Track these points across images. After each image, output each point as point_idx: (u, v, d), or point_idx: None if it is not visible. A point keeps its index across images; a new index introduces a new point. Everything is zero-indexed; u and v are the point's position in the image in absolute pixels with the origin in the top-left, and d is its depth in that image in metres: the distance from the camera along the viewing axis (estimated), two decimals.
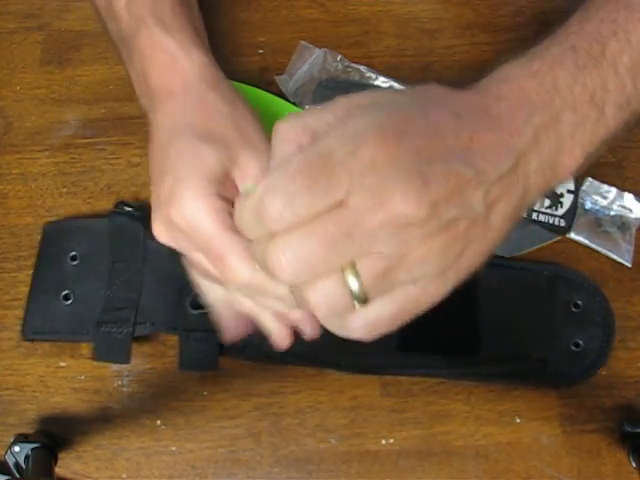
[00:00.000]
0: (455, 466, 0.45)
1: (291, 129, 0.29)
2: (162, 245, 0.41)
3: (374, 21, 0.58)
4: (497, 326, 0.46)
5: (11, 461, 0.43)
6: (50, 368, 0.48)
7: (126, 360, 0.45)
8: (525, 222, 0.50)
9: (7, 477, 0.44)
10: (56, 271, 0.49)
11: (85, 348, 0.48)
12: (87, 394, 0.47)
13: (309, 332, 0.37)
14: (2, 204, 0.52)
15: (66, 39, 0.58)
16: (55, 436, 0.46)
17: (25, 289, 0.49)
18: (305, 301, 0.28)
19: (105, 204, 0.52)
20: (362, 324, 0.29)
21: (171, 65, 0.40)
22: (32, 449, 0.43)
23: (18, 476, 0.43)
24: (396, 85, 0.54)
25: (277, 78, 0.55)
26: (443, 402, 0.47)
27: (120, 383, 0.47)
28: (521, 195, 0.30)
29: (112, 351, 0.45)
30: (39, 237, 0.51)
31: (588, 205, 0.51)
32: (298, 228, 0.26)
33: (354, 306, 0.28)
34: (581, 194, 0.51)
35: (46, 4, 0.59)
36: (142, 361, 0.48)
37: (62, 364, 0.48)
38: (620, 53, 0.32)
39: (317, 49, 0.55)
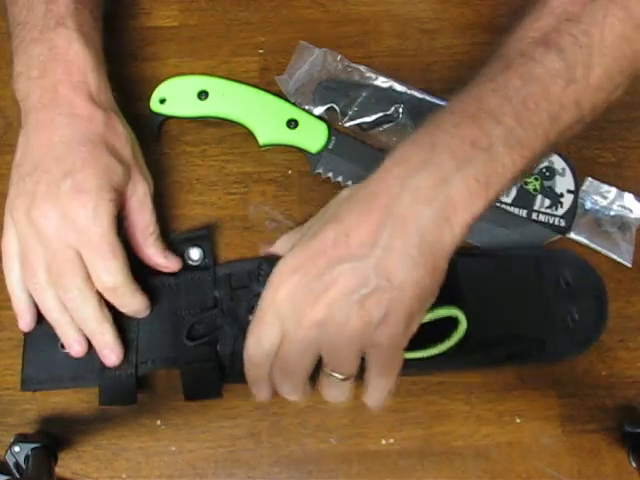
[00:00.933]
0: (455, 466, 0.46)
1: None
2: (155, 282, 0.47)
3: (374, 21, 0.58)
4: (485, 310, 0.46)
5: (11, 461, 0.43)
6: None
7: (134, 401, 0.45)
8: (525, 221, 0.50)
9: (7, 477, 0.44)
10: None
11: None
12: (87, 394, 0.47)
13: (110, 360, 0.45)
14: (2, 204, 0.52)
15: None
16: (55, 436, 0.45)
17: None
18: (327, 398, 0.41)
19: None
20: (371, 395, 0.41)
21: (82, 76, 0.44)
22: (32, 449, 0.43)
23: (18, 476, 0.43)
24: (396, 85, 0.54)
25: (277, 78, 0.55)
26: (443, 402, 0.47)
27: None
28: (417, 243, 0.35)
29: (118, 394, 0.45)
30: None
31: (588, 205, 0.51)
32: (276, 366, 0.39)
33: (353, 382, 0.40)
34: (581, 194, 0.51)
35: None
36: None
37: None
38: (500, 105, 0.36)
39: (317, 49, 0.55)
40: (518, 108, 0.36)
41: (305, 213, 0.51)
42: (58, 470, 0.45)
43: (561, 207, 0.50)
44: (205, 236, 0.49)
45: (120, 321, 0.45)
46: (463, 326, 0.43)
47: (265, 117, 0.51)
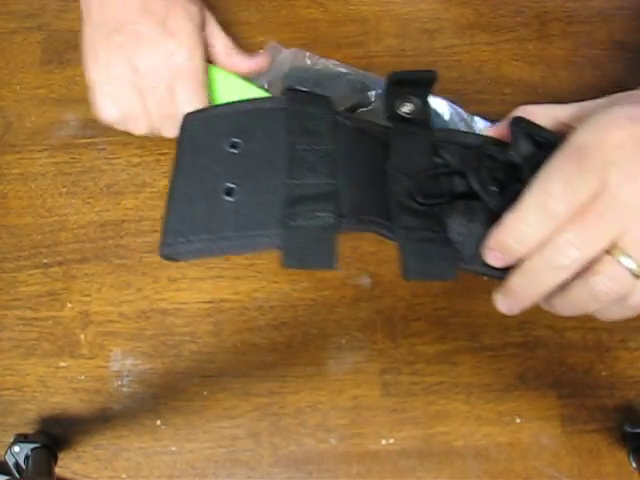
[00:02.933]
0: (455, 466, 0.45)
1: None
2: (354, 121, 0.38)
3: (374, 21, 0.58)
4: None
5: (11, 461, 0.43)
6: (50, 368, 0.48)
7: (333, 264, 0.33)
8: None
9: (7, 477, 0.44)
10: (209, 162, 0.37)
11: (85, 348, 0.48)
12: (87, 394, 0.47)
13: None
14: (2, 204, 0.52)
15: (66, 39, 0.58)
16: (55, 436, 0.46)
17: (25, 289, 0.50)
18: (588, 294, 0.32)
19: (105, 204, 0.52)
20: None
21: None
22: (32, 449, 0.43)
23: (18, 476, 0.43)
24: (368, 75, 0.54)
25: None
26: (443, 402, 0.47)
27: (120, 383, 0.47)
28: None
29: (309, 252, 0.33)
30: (39, 237, 0.51)
31: None
32: (578, 216, 0.31)
33: (635, 284, 0.31)
34: None
35: (46, 4, 0.59)
36: (142, 361, 0.48)
37: (62, 364, 0.48)
38: None
39: (285, 49, 0.55)
40: None
41: None
42: (58, 470, 0.45)
43: None
44: (428, 80, 0.40)
45: (309, 163, 0.35)
46: None
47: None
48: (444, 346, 0.48)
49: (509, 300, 0.35)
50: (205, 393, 0.47)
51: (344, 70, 0.54)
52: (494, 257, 0.34)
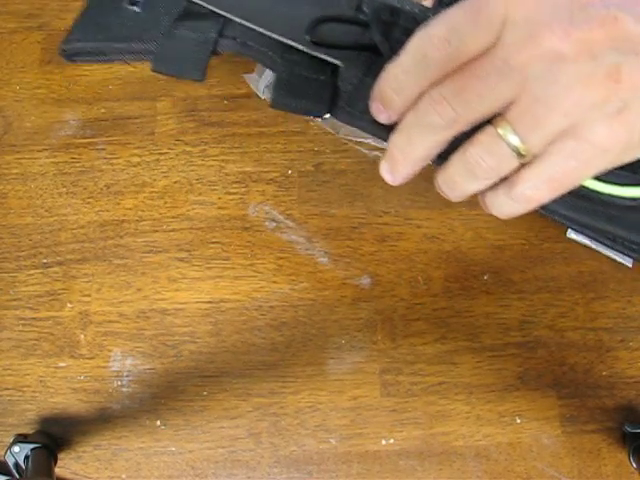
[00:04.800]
0: (455, 466, 0.45)
1: None
2: None
3: None
4: None
5: (11, 461, 0.43)
6: (49, 368, 0.48)
7: (201, 76, 0.36)
8: None
9: (7, 477, 0.44)
10: None
11: (85, 348, 0.48)
12: (87, 394, 0.47)
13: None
14: (1, 204, 0.52)
15: None
16: (55, 436, 0.46)
17: (25, 289, 0.50)
18: (464, 168, 0.28)
19: (105, 204, 0.52)
20: (529, 186, 0.28)
21: None
22: (32, 449, 0.43)
23: (18, 476, 0.43)
24: None
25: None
26: (443, 402, 0.47)
27: (120, 383, 0.47)
28: None
29: (181, 61, 0.35)
30: (39, 237, 0.51)
31: None
32: (459, 71, 0.27)
33: (517, 164, 0.28)
34: None
35: (46, 4, 0.59)
36: (142, 361, 0.48)
37: (62, 364, 0.48)
38: None
39: None
40: None
41: (305, 213, 0.51)
42: (58, 470, 0.45)
43: None
44: None
45: None
46: None
47: None
48: (444, 346, 0.48)
49: (389, 164, 0.31)
50: (205, 393, 0.47)
51: None
52: (377, 109, 0.31)
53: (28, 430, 0.46)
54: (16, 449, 0.43)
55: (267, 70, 0.55)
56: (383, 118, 0.31)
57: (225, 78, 0.56)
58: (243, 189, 0.52)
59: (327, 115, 0.34)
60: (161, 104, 0.53)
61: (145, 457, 0.46)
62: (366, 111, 0.32)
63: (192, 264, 0.50)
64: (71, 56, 0.38)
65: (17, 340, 0.48)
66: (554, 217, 0.32)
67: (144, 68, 0.55)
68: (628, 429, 0.45)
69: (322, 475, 0.45)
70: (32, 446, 0.43)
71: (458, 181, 0.30)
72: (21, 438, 0.44)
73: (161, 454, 0.46)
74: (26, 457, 0.43)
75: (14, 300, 0.49)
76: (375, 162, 0.53)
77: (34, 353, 0.48)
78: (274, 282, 0.49)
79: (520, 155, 0.28)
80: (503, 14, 0.27)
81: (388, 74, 0.30)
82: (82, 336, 0.48)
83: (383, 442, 0.46)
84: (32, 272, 0.50)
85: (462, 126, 0.28)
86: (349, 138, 0.53)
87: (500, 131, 0.28)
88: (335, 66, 0.35)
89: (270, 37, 0.35)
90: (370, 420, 0.46)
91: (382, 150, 0.53)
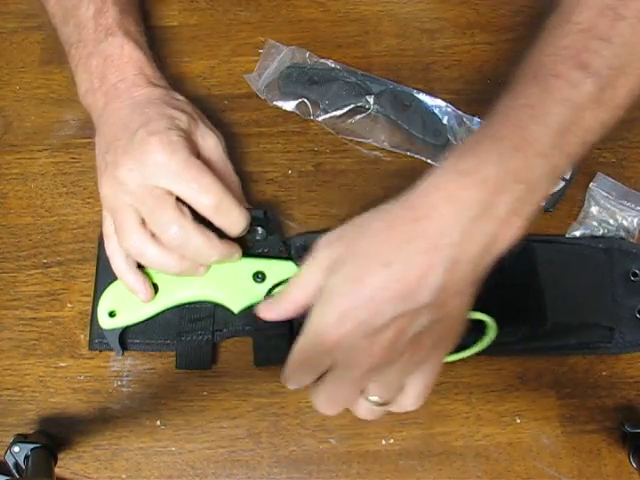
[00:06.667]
0: (455, 466, 0.45)
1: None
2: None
3: (374, 21, 0.58)
4: (561, 296, 0.47)
5: (11, 461, 0.43)
6: (50, 368, 0.48)
7: (209, 366, 0.47)
8: None
9: (7, 477, 0.44)
10: None
11: (85, 348, 0.48)
12: (87, 394, 0.47)
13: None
14: (2, 204, 0.52)
15: None
16: (55, 436, 0.45)
17: (25, 289, 0.49)
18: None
19: None
20: (410, 402, 0.39)
21: (137, 70, 0.47)
22: (32, 449, 0.43)
23: (18, 476, 0.43)
24: (367, 82, 0.54)
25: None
26: (443, 402, 0.47)
27: (120, 383, 0.47)
28: (465, 278, 0.35)
29: (194, 359, 0.47)
30: (39, 237, 0.51)
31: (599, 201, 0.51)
32: (322, 383, 0.38)
33: (386, 407, 0.39)
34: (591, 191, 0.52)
35: None
36: (142, 361, 0.48)
37: (62, 364, 0.48)
38: (541, 135, 0.36)
39: (285, 47, 0.55)
40: (556, 139, 0.36)
41: (305, 213, 0.51)
42: (58, 470, 0.45)
43: None
44: (262, 217, 0.46)
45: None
46: (492, 330, 0.41)
47: (229, 283, 0.46)
48: None
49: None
50: (205, 393, 0.47)
51: (344, 72, 0.54)
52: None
53: (28, 430, 0.46)
54: (16, 449, 0.43)
55: (267, 70, 0.55)
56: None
57: (225, 78, 0.56)
58: (243, 189, 0.52)
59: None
60: None
61: (145, 457, 0.46)
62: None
63: None
64: (99, 349, 0.48)
65: (17, 340, 0.48)
66: None
67: None
68: (628, 429, 0.45)
69: (322, 475, 0.45)
70: (32, 446, 0.43)
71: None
72: (21, 438, 0.44)
73: (161, 454, 0.46)
74: (26, 457, 0.42)
75: (14, 300, 0.49)
76: (375, 162, 0.53)
77: (34, 353, 0.48)
78: None
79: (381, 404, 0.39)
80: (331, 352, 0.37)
81: (288, 372, 0.40)
82: (82, 336, 0.48)
83: (383, 442, 0.46)
84: (32, 272, 0.50)
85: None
86: (349, 138, 0.53)
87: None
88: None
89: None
90: (370, 420, 0.46)
91: (382, 150, 0.53)
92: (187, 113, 0.45)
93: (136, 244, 0.42)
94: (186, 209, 0.42)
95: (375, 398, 0.38)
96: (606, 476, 0.45)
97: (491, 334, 0.42)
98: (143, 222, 0.42)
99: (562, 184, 0.51)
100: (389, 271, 0.35)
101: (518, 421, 0.46)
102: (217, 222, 0.42)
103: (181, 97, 0.47)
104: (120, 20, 0.48)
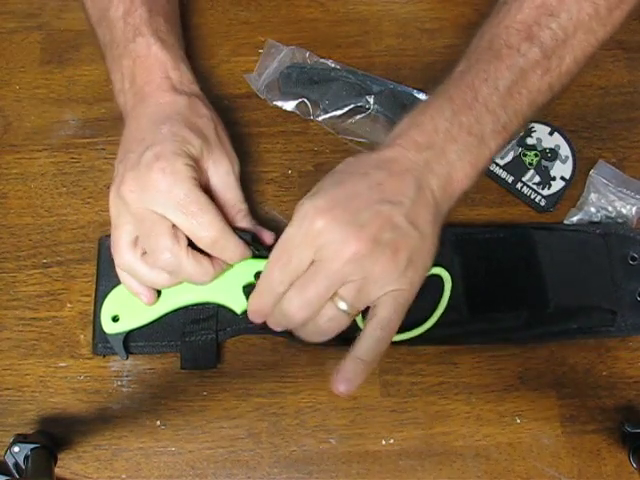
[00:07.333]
0: (455, 466, 0.45)
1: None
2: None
3: (374, 21, 0.58)
4: (561, 280, 0.48)
5: (10, 461, 0.43)
6: (50, 368, 0.48)
7: (215, 365, 0.47)
8: None
9: (7, 477, 0.44)
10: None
11: (85, 348, 0.48)
12: (87, 394, 0.47)
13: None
14: (2, 204, 0.52)
15: (65, 39, 0.58)
16: (54, 436, 0.45)
17: (25, 289, 0.49)
18: (317, 331, 0.40)
19: (105, 204, 0.51)
20: (371, 331, 0.40)
21: (163, 73, 0.47)
22: (31, 449, 0.43)
23: (17, 476, 0.43)
24: (367, 82, 0.54)
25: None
26: (443, 402, 0.47)
27: (120, 383, 0.47)
28: (433, 204, 0.40)
29: (198, 357, 0.47)
30: (39, 237, 0.51)
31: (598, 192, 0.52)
32: (296, 284, 0.39)
33: (349, 320, 0.40)
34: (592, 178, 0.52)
35: (46, 4, 0.59)
36: (142, 361, 0.48)
37: (62, 364, 0.48)
38: (490, 95, 0.42)
39: (285, 47, 0.55)
40: (505, 98, 0.42)
41: None
42: (58, 470, 0.45)
43: (548, 189, 0.52)
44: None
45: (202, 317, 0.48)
46: (448, 285, 0.44)
47: (231, 285, 0.46)
48: (444, 346, 0.48)
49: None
50: (205, 393, 0.47)
51: (344, 72, 0.54)
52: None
53: (28, 430, 0.46)
54: (16, 449, 0.43)
55: (267, 70, 0.55)
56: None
57: (225, 78, 0.56)
58: (243, 189, 0.52)
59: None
60: None
61: (145, 457, 0.46)
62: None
63: None
64: (103, 354, 0.48)
65: (17, 340, 0.48)
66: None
67: None
68: (628, 429, 0.45)
69: (322, 475, 0.45)
70: (32, 446, 0.43)
71: (314, 338, 0.41)
72: (21, 438, 0.43)
73: (161, 454, 0.46)
74: (26, 457, 0.42)
75: (14, 300, 0.49)
76: None
77: (34, 353, 0.48)
78: None
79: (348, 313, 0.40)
80: (314, 245, 0.38)
81: (255, 296, 0.42)
82: (82, 336, 0.48)
83: (383, 442, 0.46)
84: (32, 272, 0.50)
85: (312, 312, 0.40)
86: (349, 138, 0.53)
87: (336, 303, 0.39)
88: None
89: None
90: (370, 420, 0.46)
91: None
92: (203, 136, 0.45)
93: (128, 262, 0.43)
94: (182, 235, 0.42)
95: (344, 305, 0.39)
96: (606, 476, 0.45)
97: (447, 287, 0.46)
98: (137, 240, 0.43)
99: (562, 184, 0.51)
100: (369, 177, 0.40)
101: (518, 421, 0.46)
102: (214, 254, 0.43)
103: (206, 111, 0.47)
104: (148, 20, 0.48)
